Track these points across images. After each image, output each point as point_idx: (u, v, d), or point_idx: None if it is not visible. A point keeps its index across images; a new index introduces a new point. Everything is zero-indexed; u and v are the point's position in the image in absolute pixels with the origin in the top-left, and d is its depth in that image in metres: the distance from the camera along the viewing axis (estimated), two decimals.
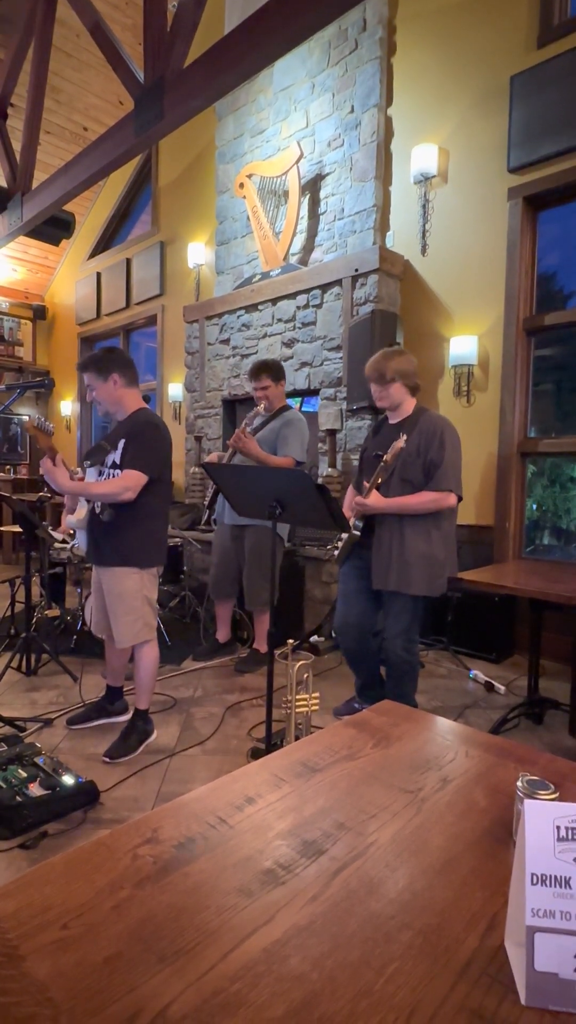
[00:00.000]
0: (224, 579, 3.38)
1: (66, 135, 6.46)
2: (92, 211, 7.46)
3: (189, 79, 2.80)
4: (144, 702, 2.43)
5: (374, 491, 2.31)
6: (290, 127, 4.66)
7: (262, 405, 3.15)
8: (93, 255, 7.41)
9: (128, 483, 2.16)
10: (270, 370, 3.17)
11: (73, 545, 2.43)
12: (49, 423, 2.26)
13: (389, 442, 2.36)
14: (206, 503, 3.45)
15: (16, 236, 4.57)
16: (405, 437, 2.22)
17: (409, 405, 2.45)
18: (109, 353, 2.29)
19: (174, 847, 0.73)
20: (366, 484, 2.35)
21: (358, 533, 2.41)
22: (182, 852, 0.72)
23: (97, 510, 2.31)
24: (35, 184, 4.34)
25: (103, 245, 7.36)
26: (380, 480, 2.31)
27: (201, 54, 2.70)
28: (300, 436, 3.16)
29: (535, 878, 0.54)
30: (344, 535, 2.48)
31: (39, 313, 8.29)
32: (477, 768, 0.95)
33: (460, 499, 2.33)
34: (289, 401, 3.44)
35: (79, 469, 2.39)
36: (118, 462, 2.24)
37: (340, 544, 2.55)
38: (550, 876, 0.54)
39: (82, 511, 2.40)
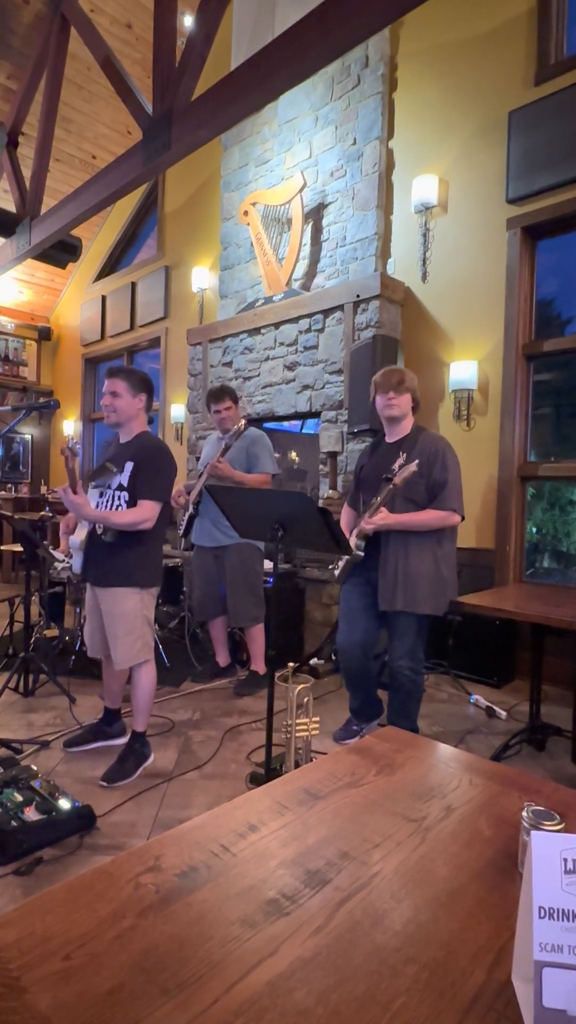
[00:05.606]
0: (208, 598, 3.42)
1: (75, 163, 6.61)
2: (99, 236, 7.59)
3: (196, 111, 2.88)
4: (141, 724, 2.41)
5: (381, 509, 2.32)
6: (294, 157, 4.77)
7: (236, 426, 3.22)
8: (99, 278, 7.52)
9: (149, 514, 2.26)
10: (230, 393, 3.33)
11: (69, 565, 2.43)
12: (76, 444, 2.31)
13: (388, 461, 2.38)
14: (180, 532, 3.46)
15: (24, 259, 4.65)
16: (417, 462, 2.24)
17: (409, 422, 2.50)
18: (148, 378, 2.44)
19: (177, 876, 0.72)
20: (372, 504, 2.36)
21: (361, 554, 2.41)
22: (185, 881, 0.71)
23: (99, 531, 2.32)
24: (44, 209, 4.43)
25: (109, 268, 7.48)
26: (382, 501, 2.32)
27: (208, 88, 2.78)
28: (268, 451, 3.34)
29: (543, 911, 0.53)
30: (345, 556, 2.49)
31: (44, 334, 8.39)
32: (481, 797, 0.94)
33: (463, 518, 2.36)
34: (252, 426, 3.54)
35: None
36: (124, 484, 2.29)
37: (341, 563, 2.55)
38: (558, 910, 0.53)
39: (83, 531, 2.41)
